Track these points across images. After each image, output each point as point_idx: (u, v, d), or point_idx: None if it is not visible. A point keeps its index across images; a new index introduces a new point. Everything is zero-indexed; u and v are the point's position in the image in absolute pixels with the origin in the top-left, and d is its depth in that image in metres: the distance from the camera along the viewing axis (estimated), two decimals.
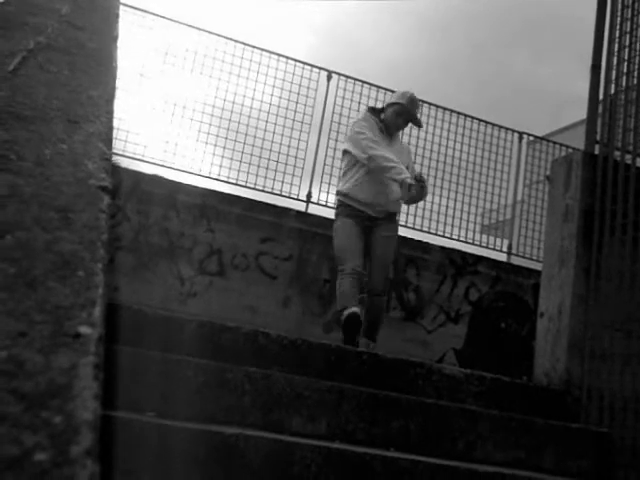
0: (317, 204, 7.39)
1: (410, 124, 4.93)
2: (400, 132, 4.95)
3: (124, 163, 6.58)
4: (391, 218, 4.77)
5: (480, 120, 8.33)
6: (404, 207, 7.70)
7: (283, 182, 7.28)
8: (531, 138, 8.86)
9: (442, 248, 7.48)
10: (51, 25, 2.09)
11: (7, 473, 0.58)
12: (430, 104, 8.10)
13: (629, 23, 3.63)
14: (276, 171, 7.26)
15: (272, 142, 7.32)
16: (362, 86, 7.73)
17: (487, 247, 8.16)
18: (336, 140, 7.49)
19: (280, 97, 7.45)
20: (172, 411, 2.07)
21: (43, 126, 1.39)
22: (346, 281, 4.39)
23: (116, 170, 5.91)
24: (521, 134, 8.54)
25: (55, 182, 1.18)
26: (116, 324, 2.23)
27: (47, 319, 0.80)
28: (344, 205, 4.65)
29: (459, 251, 7.57)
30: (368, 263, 4.63)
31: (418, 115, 4.89)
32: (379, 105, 6.55)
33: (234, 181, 7.15)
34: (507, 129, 8.47)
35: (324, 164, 7.43)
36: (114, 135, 1.74)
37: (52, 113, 1.48)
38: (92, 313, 0.85)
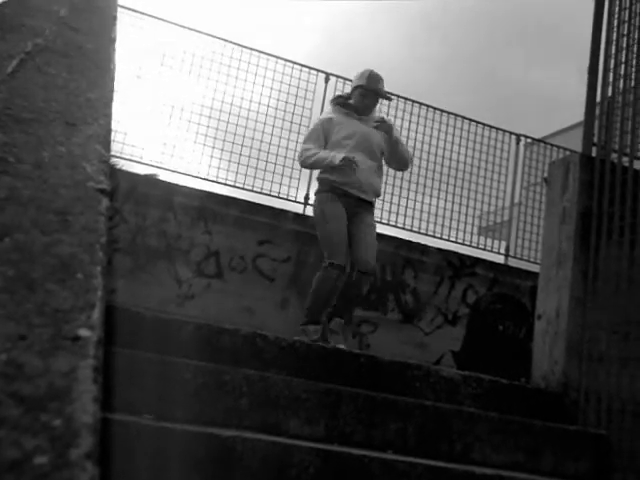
0: None
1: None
2: (374, 110, 4.83)
3: (121, 165, 6.58)
4: (371, 208, 4.70)
5: (478, 122, 8.34)
6: (401, 209, 7.71)
7: (281, 184, 7.28)
8: (529, 140, 8.87)
9: (439, 250, 7.48)
10: (49, 27, 2.09)
11: (7, 476, 0.58)
12: (428, 106, 8.11)
13: (626, 25, 3.64)
14: (274, 173, 7.27)
15: (270, 144, 7.33)
16: None
17: (485, 249, 8.16)
18: None
19: (278, 99, 7.46)
20: (170, 413, 2.07)
21: (41, 129, 1.39)
22: (329, 283, 4.35)
23: (114, 172, 5.91)
24: (519, 136, 8.55)
25: (53, 185, 1.18)
26: (114, 326, 2.23)
27: (46, 322, 0.80)
28: (329, 187, 4.56)
29: (456, 253, 7.58)
30: (353, 245, 4.54)
31: (383, 90, 4.81)
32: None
33: (232, 183, 7.15)
34: (505, 131, 8.48)
35: None
36: (112, 137, 1.74)
37: (50, 115, 1.48)
38: (91, 316, 0.85)
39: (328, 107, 4.87)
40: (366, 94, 4.66)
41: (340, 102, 4.75)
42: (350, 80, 7.75)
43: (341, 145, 4.54)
